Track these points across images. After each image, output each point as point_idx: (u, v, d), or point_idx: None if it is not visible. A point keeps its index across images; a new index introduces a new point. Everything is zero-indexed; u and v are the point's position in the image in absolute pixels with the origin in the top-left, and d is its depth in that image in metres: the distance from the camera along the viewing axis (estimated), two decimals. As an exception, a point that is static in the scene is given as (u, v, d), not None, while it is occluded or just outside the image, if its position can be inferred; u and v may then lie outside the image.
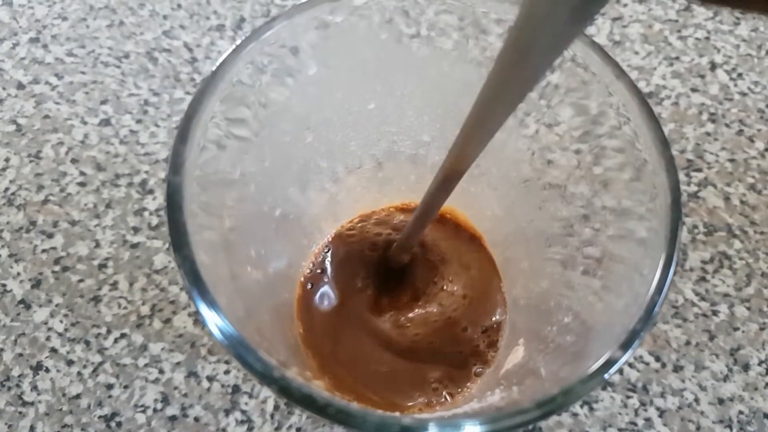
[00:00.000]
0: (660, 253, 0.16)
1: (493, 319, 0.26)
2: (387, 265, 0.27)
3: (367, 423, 0.14)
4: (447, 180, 0.18)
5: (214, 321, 0.15)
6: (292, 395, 0.14)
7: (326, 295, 0.27)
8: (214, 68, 0.18)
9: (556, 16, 0.11)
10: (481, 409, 0.20)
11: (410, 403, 0.24)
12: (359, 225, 0.29)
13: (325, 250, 0.28)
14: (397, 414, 0.14)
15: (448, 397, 0.24)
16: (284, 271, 0.26)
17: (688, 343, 0.29)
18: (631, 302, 0.16)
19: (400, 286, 0.28)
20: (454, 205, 0.28)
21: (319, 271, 0.27)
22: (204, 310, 0.15)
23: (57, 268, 0.30)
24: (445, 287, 0.27)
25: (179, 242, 0.15)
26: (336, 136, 0.24)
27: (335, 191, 0.27)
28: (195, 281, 0.15)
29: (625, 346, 0.15)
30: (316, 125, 0.23)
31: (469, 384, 0.25)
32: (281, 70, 0.20)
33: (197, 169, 0.17)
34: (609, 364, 0.15)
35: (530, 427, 0.27)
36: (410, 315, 0.27)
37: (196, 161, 0.17)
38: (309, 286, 0.27)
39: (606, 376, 0.14)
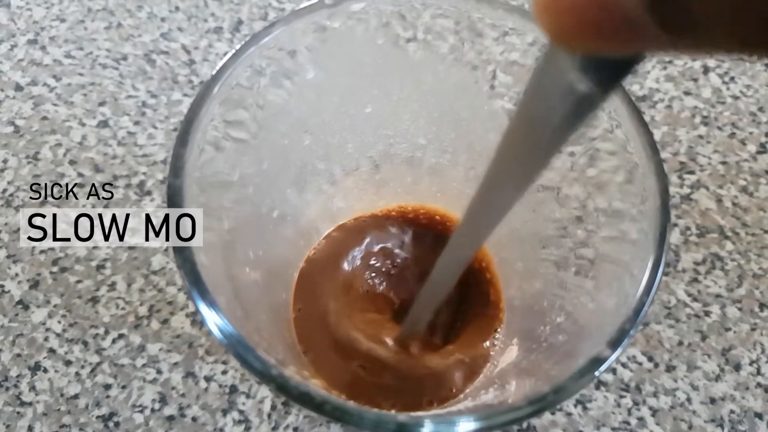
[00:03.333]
0: (649, 255, 0.16)
1: (488, 341, 0.26)
2: (384, 267, 0.27)
3: (364, 420, 0.14)
4: (451, 267, 0.19)
5: (214, 320, 0.15)
6: (290, 393, 0.14)
7: (321, 294, 0.27)
8: (213, 72, 0.18)
9: (550, 119, 0.11)
10: (475, 407, 0.20)
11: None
12: (350, 228, 0.29)
13: (320, 252, 0.28)
14: (392, 411, 0.15)
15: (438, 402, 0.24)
16: (282, 271, 0.26)
17: (680, 343, 0.29)
18: (621, 302, 0.16)
19: (397, 292, 0.28)
20: (449, 207, 0.29)
21: (313, 272, 0.27)
22: (204, 309, 0.15)
23: (55, 268, 0.31)
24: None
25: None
26: (333, 139, 0.25)
27: (332, 193, 0.27)
28: (195, 282, 0.15)
29: (615, 345, 0.15)
30: (314, 128, 0.24)
31: (462, 389, 0.25)
32: (279, 73, 0.20)
33: (196, 171, 0.17)
34: (599, 362, 0.15)
35: (524, 425, 0.27)
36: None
37: (195, 163, 0.17)
38: (302, 287, 0.27)
39: (596, 374, 0.15)
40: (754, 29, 0.07)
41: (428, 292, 0.21)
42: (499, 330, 0.26)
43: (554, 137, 0.11)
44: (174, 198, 0.16)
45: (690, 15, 0.07)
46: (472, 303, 0.27)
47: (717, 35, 0.07)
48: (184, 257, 0.15)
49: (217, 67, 0.18)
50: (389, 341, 0.26)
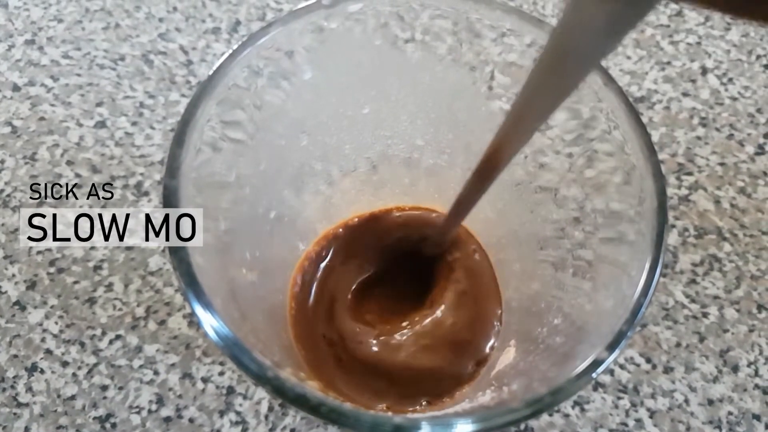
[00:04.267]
0: (647, 256, 0.16)
1: (490, 342, 0.26)
2: (380, 270, 0.27)
3: (360, 422, 0.14)
4: (484, 172, 0.18)
5: (209, 322, 0.15)
6: (286, 395, 0.14)
7: (317, 295, 0.27)
8: (211, 72, 0.18)
9: (593, 29, 0.11)
10: (472, 408, 0.20)
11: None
12: (348, 228, 0.29)
13: (317, 252, 0.28)
14: (389, 413, 0.15)
15: (432, 403, 0.24)
16: (278, 273, 0.26)
17: (678, 344, 0.29)
18: (619, 303, 0.16)
19: (394, 293, 0.28)
20: (446, 208, 0.28)
21: (309, 273, 0.27)
22: (199, 311, 0.15)
23: (52, 269, 0.30)
24: (442, 304, 0.27)
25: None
26: (331, 139, 0.25)
27: (330, 194, 0.27)
28: (191, 283, 0.15)
29: (612, 346, 0.15)
30: (311, 128, 0.24)
31: (456, 393, 0.25)
32: (277, 73, 0.20)
33: (193, 172, 0.17)
34: (596, 364, 0.15)
35: (522, 427, 0.27)
36: (404, 324, 0.26)
37: (192, 164, 0.17)
38: (298, 289, 0.27)
39: (593, 375, 0.15)
40: None
41: (460, 198, 0.21)
42: (496, 331, 0.26)
43: (594, 47, 0.12)
44: (170, 199, 0.16)
45: None
46: (471, 302, 0.27)
47: None
48: (180, 258, 0.15)
49: (214, 68, 0.18)
50: (388, 341, 0.26)
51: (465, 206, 0.21)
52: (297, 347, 0.25)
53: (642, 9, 0.10)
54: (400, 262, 0.28)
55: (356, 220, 0.29)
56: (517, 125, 0.16)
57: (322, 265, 0.28)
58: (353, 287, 0.28)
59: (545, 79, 0.14)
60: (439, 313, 0.26)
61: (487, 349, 0.25)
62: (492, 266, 0.27)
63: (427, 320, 0.26)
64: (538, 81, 0.14)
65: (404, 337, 0.26)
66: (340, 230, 0.28)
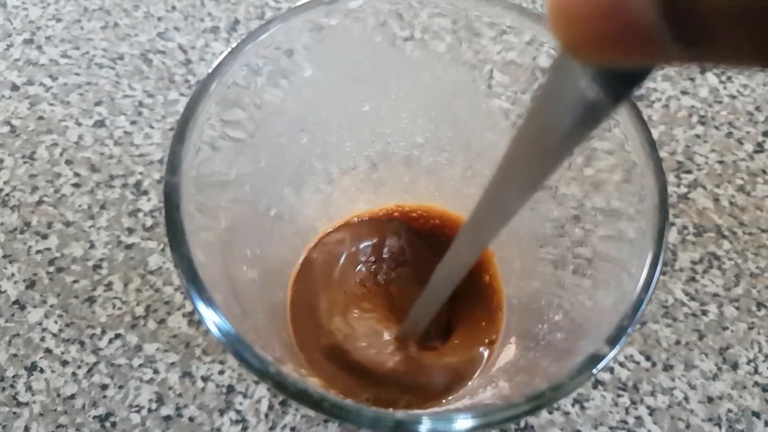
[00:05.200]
0: (647, 253, 0.16)
1: (491, 337, 0.26)
2: (377, 272, 0.27)
3: (362, 417, 0.14)
4: (453, 271, 0.19)
5: (211, 318, 0.15)
6: (288, 390, 0.14)
7: (318, 293, 0.27)
8: (210, 70, 0.18)
9: (559, 125, 0.11)
10: (472, 404, 0.20)
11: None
12: (345, 229, 0.29)
13: (317, 251, 0.28)
14: (390, 409, 0.15)
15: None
16: (279, 270, 0.26)
17: (677, 342, 0.30)
18: (619, 300, 0.16)
19: (394, 291, 0.28)
20: (446, 206, 0.29)
21: (307, 272, 0.27)
22: (202, 307, 0.15)
23: (51, 268, 0.30)
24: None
25: (177, 241, 0.15)
26: (330, 138, 0.25)
27: (330, 192, 0.27)
28: (192, 279, 0.15)
29: (613, 342, 0.15)
30: (311, 127, 0.24)
31: (460, 387, 0.25)
32: (276, 72, 0.20)
33: (193, 170, 0.17)
34: (596, 360, 0.15)
35: (522, 424, 0.27)
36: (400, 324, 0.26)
37: (192, 162, 0.17)
38: (296, 289, 0.27)
39: (594, 371, 0.15)
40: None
41: (429, 295, 0.21)
42: (497, 328, 0.26)
43: (563, 144, 0.11)
44: (171, 195, 0.16)
45: (704, 20, 0.07)
46: (470, 301, 0.27)
47: (734, 46, 0.07)
48: (182, 255, 0.15)
49: (213, 67, 0.18)
50: (386, 340, 0.26)
51: (438, 298, 0.21)
52: (297, 345, 0.25)
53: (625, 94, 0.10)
54: (402, 263, 0.28)
55: (356, 219, 0.29)
56: (489, 217, 0.15)
57: (323, 263, 0.28)
58: (353, 287, 0.28)
59: (517, 170, 0.13)
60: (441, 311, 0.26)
61: (485, 344, 0.25)
62: (492, 268, 0.27)
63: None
64: (509, 172, 0.13)
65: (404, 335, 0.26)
66: (342, 229, 0.28)
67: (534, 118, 0.12)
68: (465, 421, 0.14)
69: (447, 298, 0.21)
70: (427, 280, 0.28)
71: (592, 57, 0.09)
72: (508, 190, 0.14)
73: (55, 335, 0.29)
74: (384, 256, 0.28)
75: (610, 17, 0.08)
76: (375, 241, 0.28)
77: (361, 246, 0.28)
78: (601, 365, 0.15)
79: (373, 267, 0.28)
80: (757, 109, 0.36)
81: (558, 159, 0.12)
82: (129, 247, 0.31)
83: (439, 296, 0.21)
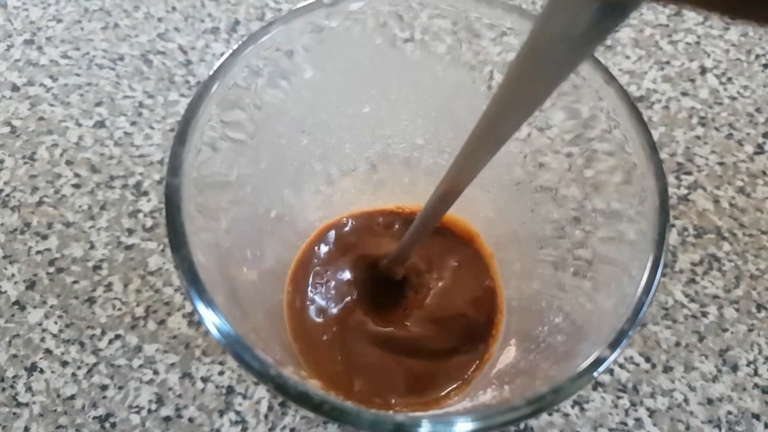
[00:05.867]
0: (648, 255, 0.16)
1: (488, 329, 0.26)
2: (375, 272, 0.27)
3: (362, 420, 0.14)
4: (447, 195, 0.19)
5: (212, 320, 0.15)
6: (289, 393, 0.14)
7: (313, 298, 0.27)
8: (211, 72, 0.18)
9: (569, 35, 0.11)
10: (473, 407, 0.20)
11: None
12: (344, 226, 0.29)
13: (317, 252, 0.28)
14: (390, 412, 0.15)
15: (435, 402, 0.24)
16: (279, 272, 0.26)
17: (677, 344, 0.30)
18: (620, 302, 0.16)
19: (389, 294, 0.28)
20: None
21: (304, 272, 0.27)
22: (202, 309, 0.15)
23: (51, 269, 0.30)
24: (438, 296, 0.27)
25: (177, 242, 0.15)
26: (331, 139, 0.25)
27: (330, 193, 0.27)
28: (193, 281, 0.15)
29: (614, 345, 0.15)
30: (311, 128, 0.24)
31: (459, 389, 0.25)
32: (276, 73, 0.20)
33: (194, 171, 0.17)
34: (597, 362, 0.15)
35: (522, 426, 0.27)
36: (402, 323, 0.26)
37: (193, 163, 0.17)
38: (297, 288, 0.27)
39: (595, 374, 0.15)
40: None
41: (418, 224, 0.22)
42: (497, 330, 0.26)
43: (568, 55, 0.11)
44: (172, 197, 0.16)
45: None
46: (470, 302, 0.27)
47: None
48: (182, 256, 0.15)
49: (214, 68, 0.18)
50: (386, 340, 0.26)
51: (427, 225, 0.21)
52: (296, 346, 0.25)
53: (619, 17, 0.10)
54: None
55: (351, 221, 0.29)
56: (484, 142, 0.16)
57: (322, 263, 0.28)
58: (352, 287, 0.28)
59: (516, 92, 0.13)
60: (441, 310, 0.26)
61: (485, 346, 0.25)
62: (492, 268, 0.27)
63: (425, 319, 0.26)
64: (507, 94, 0.14)
65: (402, 335, 0.26)
66: (336, 230, 0.28)
67: (538, 31, 0.12)
68: (465, 424, 0.14)
69: (433, 227, 0.22)
70: (430, 283, 0.28)
71: None
72: (507, 111, 0.14)
73: (55, 336, 0.29)
74: (383, 256, 0.28)
75: None
76: (375, 241, 0.28)
77: (361, 246, 0.28)
78: (601, 368, 0.15)
79: (373, 267, 0.28)
80: (758, 110, 0.36)
81: (560, 74, 0.12)
82: (129, 247, 0.31)
83: (426, 225, 0.22)
